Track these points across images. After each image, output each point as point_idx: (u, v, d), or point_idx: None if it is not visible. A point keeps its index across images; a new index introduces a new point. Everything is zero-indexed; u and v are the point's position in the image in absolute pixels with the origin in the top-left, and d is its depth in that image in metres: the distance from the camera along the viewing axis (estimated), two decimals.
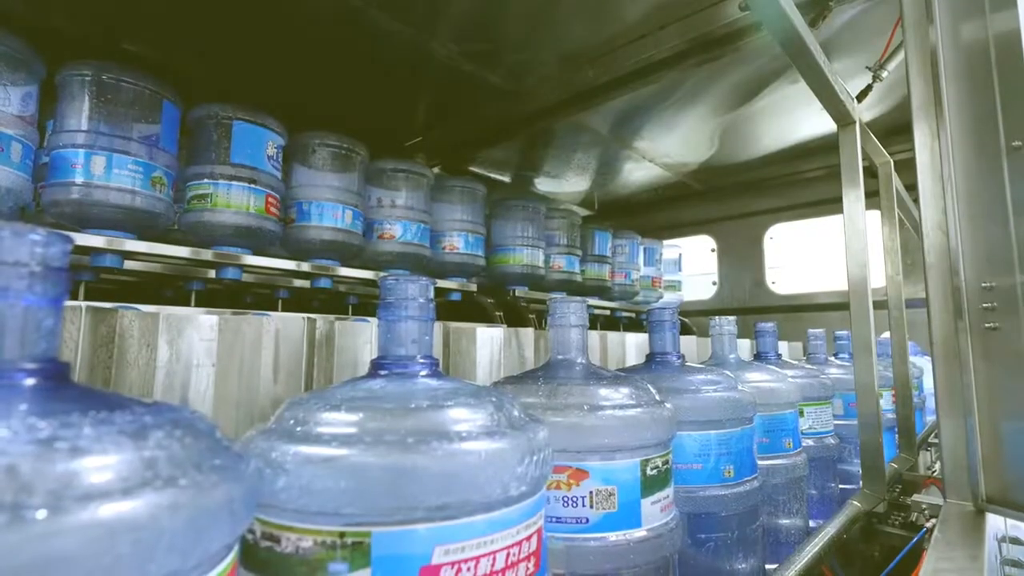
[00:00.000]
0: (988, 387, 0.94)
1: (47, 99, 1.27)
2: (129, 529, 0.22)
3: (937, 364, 1.02)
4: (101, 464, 0.23)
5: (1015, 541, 0.94)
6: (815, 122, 2.34)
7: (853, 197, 1.33)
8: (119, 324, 0.73)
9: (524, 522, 0.42)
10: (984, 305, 0.94)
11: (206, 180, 1.41)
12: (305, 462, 0.36)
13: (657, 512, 0.61)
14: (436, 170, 2.48)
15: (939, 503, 1.15)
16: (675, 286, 3.38)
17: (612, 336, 1.76)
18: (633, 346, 1.63)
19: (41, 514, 0.20)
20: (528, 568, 0.42)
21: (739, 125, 2.38)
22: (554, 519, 0.57)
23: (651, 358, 0.89)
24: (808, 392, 1.21)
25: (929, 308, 1.03)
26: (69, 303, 0.73)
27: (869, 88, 1.79)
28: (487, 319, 2.05)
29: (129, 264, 1.33)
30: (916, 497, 1.31)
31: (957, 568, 0.77)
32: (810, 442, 1.20)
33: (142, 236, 1.30)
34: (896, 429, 1.62)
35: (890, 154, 1.80)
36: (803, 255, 3.13)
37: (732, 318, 1.15)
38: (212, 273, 1.47)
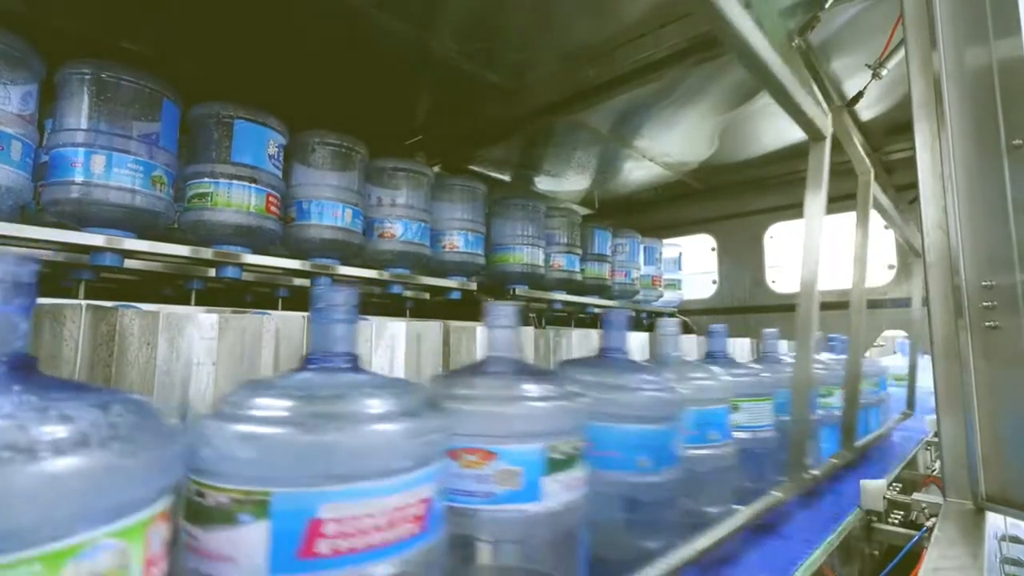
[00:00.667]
0: (988, 386, 0.94)
1: (46, 98, 1.27)
2: (71, 476, 0.32)
3: (937, 362, 1.02)
4: (55, 429, 0.33)
5: (1015, 540, 0.94)
6: None
7: (815, 209, 1.34)
8: (119, 323, 0.73)
9: (407, 491, 0.51)
10: (984, 304, 0.94)
11: (206, 179, 1.41)
12: (223, 436, 0.47)
13: (560, 491, 0.70)
14: (436, 169, 2.48)
15: (939, 502, 1.15)
16: (675, 285, 3.38)
17: None
18: (635, 346, 1.63)
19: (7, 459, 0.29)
20: (412, 529, 0.51)
21: (739, 124, 2.38)
22: (467, 492, 0.67)
23: (601, 353, 0.97)
24: (744, 389, 1.28)
25: (929, 307, 1.03)
26: (69, 301, 0.73)
27: (860, 95, 1.80)
28: None
29: (129, 263, 1.33)
30: (916, 496, 1.31)
31: (957, 567, 0.77)
32: (745, 435, 1.27)
33: (142, 235, 1.30)
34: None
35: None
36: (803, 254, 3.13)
37: (675, 320, 1.19)
38: (212, 272, 1.47)
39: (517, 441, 0.68)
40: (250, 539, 0.45)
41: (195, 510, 0.47)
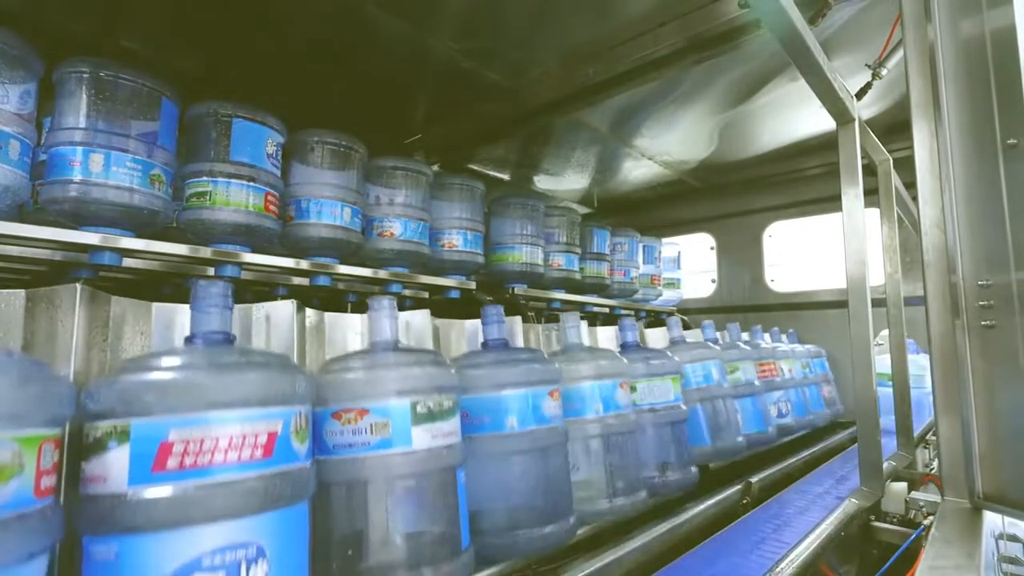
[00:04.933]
0: (986, 384, 0.94)
1: (45, 96, 1.26)
2: None
3: (935, 361, 1.02)
4: None
5: (1012, 538, 0.94)
6: (814, 119, 2.34)
7: (852, 195, 1.33)
8: (113, 311, 0.74)
9: (250, 423, 0.66)
10: (981, 303, 0.94)
11: (205, 178, 1.40)
12: (100, 386, 0.63)
13: (428, 438, 0.86)
14: (435, 168, 2.47)
15: (937, 500, 1.15)
16: (674, 284, 3.38)
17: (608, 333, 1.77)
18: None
19: None
20: (254, 453, 0.65)
21: (738, 123, 2.38)
22: (348, 444, 0.83)
23: (484, 344, 1.15)
24: (638, 371, 1.48)
25: (927, 306, 1.03)
26: (65, 286, 0.74)
27: (868, 86, 1.79)
28: None
29: (128, 262, 1.33)
30: (914, 494, 1.31)
31: (954, 565, 0.77)
32: (645, 409, 1.46)
33: (141, 234, 1.30)
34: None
35: (888, 152, 1.80)
36: (802, 253, 3.13)
37: (578, 314, 1.36)
38: (211, 271, 1.47)
39: (386, 399, 0.84)
40: (116, 460, 0.61)
41: (84, 448, 0.63)
